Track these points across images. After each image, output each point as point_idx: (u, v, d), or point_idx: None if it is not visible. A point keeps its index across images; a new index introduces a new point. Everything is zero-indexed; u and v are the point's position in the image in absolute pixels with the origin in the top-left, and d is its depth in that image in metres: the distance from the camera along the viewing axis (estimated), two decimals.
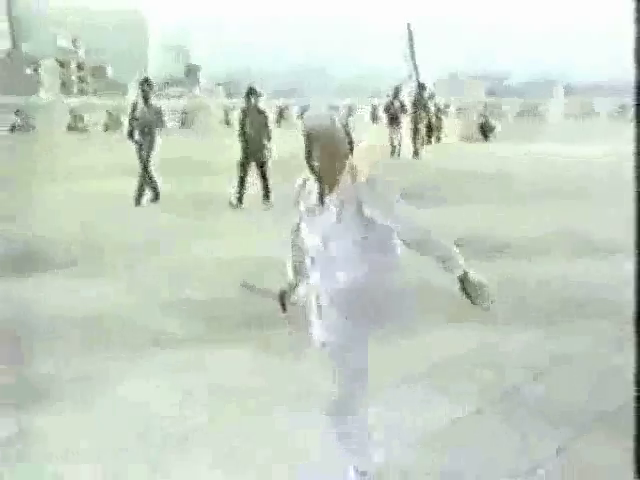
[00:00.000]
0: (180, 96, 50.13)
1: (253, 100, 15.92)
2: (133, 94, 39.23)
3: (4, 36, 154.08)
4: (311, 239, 4.22)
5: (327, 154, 4.09)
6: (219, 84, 55.17)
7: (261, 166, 15.68)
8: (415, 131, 26.21)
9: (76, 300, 8.69)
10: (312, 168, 4.13)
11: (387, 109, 26.33)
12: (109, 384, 6.24)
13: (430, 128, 32.50)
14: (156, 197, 15.91)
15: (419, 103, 26.80)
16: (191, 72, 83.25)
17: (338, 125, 4.13)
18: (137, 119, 15.77)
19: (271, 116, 17.31)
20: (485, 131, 35.93)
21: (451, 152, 28.04)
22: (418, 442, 5.23)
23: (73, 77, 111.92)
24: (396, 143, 25.61)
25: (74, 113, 34.43)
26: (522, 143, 30.83)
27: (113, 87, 57.57)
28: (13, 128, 33.71)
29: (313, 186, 4.19)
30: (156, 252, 11.14)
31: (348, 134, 4.15)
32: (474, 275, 3.98)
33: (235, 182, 15.52)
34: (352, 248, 4.09)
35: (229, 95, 53.71)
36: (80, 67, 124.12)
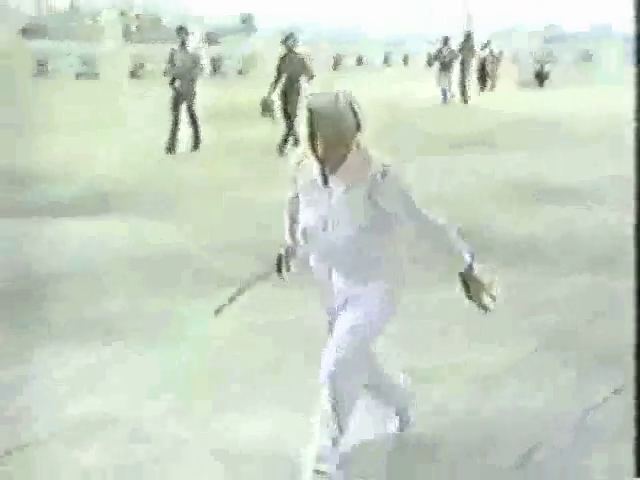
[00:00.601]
0: (237, 44, 49.74)
1: (290, 45, 15.71)
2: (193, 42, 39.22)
3: None
4: (309, 217, 3.93)
5: (330, 134, 3.73)
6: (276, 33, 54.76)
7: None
8: (463, 77, 26.18)
9: (140, 241, 8.79)
10: (313, 148, 3.77)
11: (436, 56, 26.33)
12: (175, 322, 6.32)
13: (484, 75, 32.23)
14: (196, 145, 15.82)
15: (467, 49, 26.68)
16: (246, 21, 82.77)
17: (343, 103, 3.75)
18: (175, 66, 15.67)
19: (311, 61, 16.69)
20: (540, 77, 35.63)
21: (505, 99, 27.70)
22: (477, 381, 5.23)
23: (132, 27, 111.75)
24: (446, 89, 25.62)
25: (135, 61, 34.56)
26: (577, 88, 30.44)
27: (168, 36, 57.23)
28: (78, 75, 33.94)
29: (312, 165, 3.87)
30: (212, 196, 11.22)
31: (355, 113, 3.78)
32: (479, 272, 3.84)
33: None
34: (353, 234, 3.83)
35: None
36: (138, 17, 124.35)
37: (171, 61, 15.82)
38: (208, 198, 11.11)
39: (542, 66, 36.35)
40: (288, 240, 4.26)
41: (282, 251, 4.27)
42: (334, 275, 4.02)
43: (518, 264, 7.64)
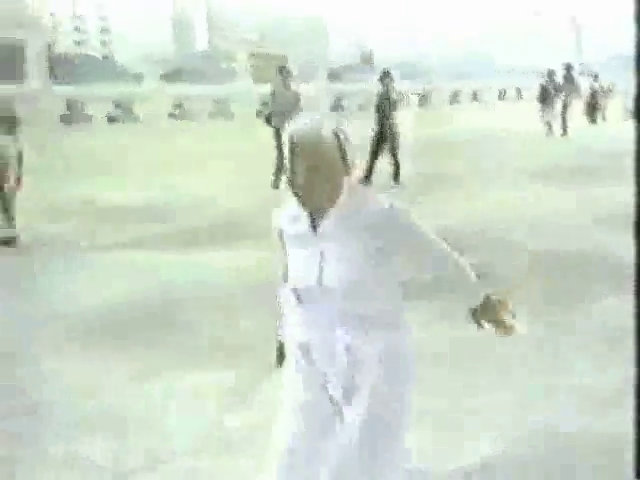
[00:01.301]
0: (358, 81, 50.19)
1: (389, 83, 15.97)
2: (319, 80, 39.81)
3: (204, 35, 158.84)
4: (300, 271, 3.18)
5: (312, 170, 3.03)
6: (391, 69, 55.18)
7: (392, 147, 15.63)
8: (564, 110, 25.66)
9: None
10: (294, 187, 3.07)
11: (543, 90, 25.84)
12: None
13: (594, 107, 31.67)
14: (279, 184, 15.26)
15: (569, 84, 26.20)
16: (366, 58, 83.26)
17: (327, 134, 3.05)
18: (277, 105, 15.54)
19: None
20: None
21: (607, 132, 26.88)
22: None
23: (260, 66, 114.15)
24: (549, 122, 25.24)
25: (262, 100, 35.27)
26: None
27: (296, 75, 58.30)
28: (210, 114, 34.82)
29: (298, 211, 3.15)
30: None
31: (341, 146, 3.07)
32: (494, 297, 3.25)
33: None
34: (354, 281, 3.09)
35: (403, 77, 53.44)
36: (267, 58, 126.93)
37: (273, 100, 15.82)
38: None
39: None
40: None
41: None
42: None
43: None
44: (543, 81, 26.12)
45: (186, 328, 7.12)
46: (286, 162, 3.08)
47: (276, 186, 14.92)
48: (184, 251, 10.05)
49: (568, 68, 27.36)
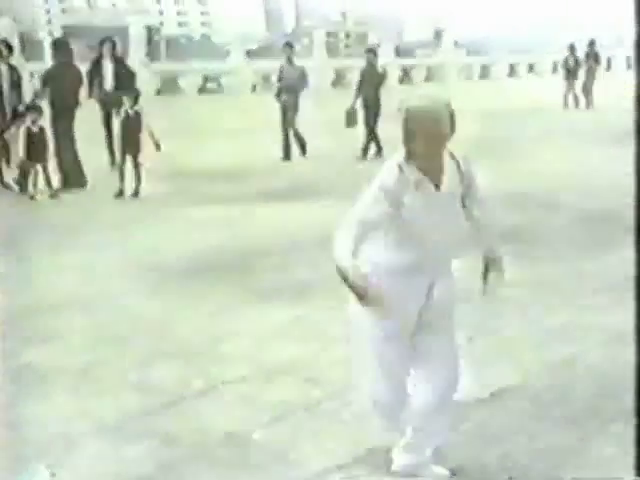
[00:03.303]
0: (427, 56, 49.53)
1: (371, 60, 14.80)
2: (386, 55, 39.42)
3: (291, 16, 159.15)
4: (421, 222, 3.30)
5: (430, 139, 3.23)
6: (460, 45, 54.11)
7: (373, 122, 14.25)
8: (588, 84, 24.33)
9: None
10: (412, 153, 3.27)
11: (564, 64, 24.67)
12: None
13: None
14: (303, 152, 14.46)
15: (591, 58, 25.02)
16: (437, 35, 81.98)
17: (440, 104, 3.27)
18: (283, 81, 14.55)
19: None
20: None
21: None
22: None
23: (340, 44, 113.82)
24: (571, 96, 24.04)
25: (337, 73, 35.05)
26: None
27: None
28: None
29: (412, 175, 3.29)
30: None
31: (452, 116, 3.28)
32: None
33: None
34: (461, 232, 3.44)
35: (469, 54, 52.51)
36: (347, 35, 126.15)
37: (280, 76, 14.74)
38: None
39: None
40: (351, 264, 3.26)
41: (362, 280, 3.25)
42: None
43: None
44: (565, 56, 24.93)
45: (257, 272, 7.21)
46: (402, 132, 3.25)
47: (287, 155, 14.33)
48: (262, 206, 10.14)
49: (591, 43, 25.94)
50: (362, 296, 3.22)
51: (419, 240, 3.33)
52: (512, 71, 42.76)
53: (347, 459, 3.82)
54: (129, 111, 11.09)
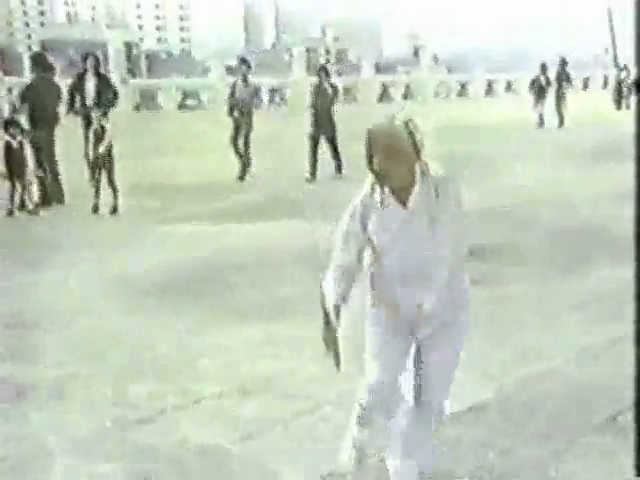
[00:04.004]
0: (407, 72, 49.87)
1: (323, 77, 14.58)
2: (366, 71, 39.65)
3: (271, 32, 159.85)
4: (380, 234, 3.35)
5: (388, 157, 3.25)
6: (438, 62, 54.54)
7: (331, 140, 14.22)
8: (558, 102, 24.42)
9: (307, 238, 9.04)
10: (373, 172, 3.31)
11: (533, 83, 24.67)
12: None
13: (619, 96, 31.13)
14: (244, 173, 14.16)
15: (562, 77, 25.21)
16: (417, 52, 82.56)
17: (398, 124, 3.27)
18: (235, 97, 14.37)
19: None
20: None
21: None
22: None
23: (321, 59, 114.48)
24: (540, 114, 23.98)
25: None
26: None
27: (352, 68, 58.52)
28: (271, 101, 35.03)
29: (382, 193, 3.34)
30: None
31: (411, 134, 3.26)
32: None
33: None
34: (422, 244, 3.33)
35: (450, 71, 52.93)
36: (327, 51, 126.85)
37: (232, 93, 14.50)
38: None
39: None
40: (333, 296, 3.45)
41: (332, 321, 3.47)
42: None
43: None
44: (535, 75, 25.03)
45: (235, 289, 7.23)
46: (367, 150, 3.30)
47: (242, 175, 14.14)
48: (243, 222, 10.19)
49: (562, 62, 26.06)
50: (326, 344, 3.47)
51: (389, 257, 3.36)
52: (489, 89, 43.10)
53: (322, 473, 3.85)
54: (96, 126, 11.14)
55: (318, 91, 14.55)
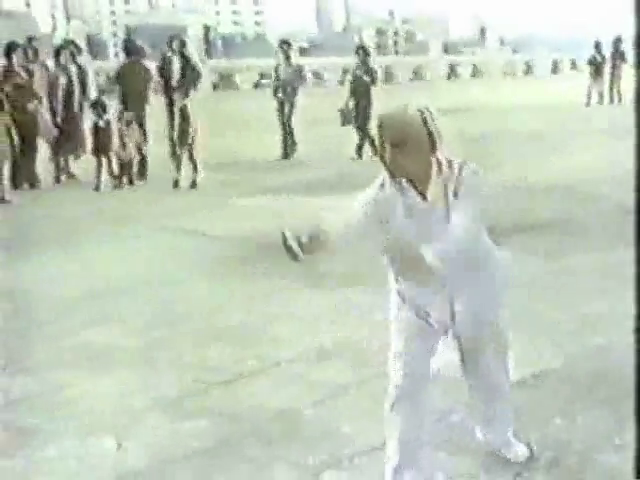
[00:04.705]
0: (473, 53, 49.17)
1: (362, 58, 13.88)
2: (434, 52, 39.18)
3: (341, 15, 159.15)
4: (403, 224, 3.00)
5: (398, 147, 2.91)
6: (505, 43, 53.66)
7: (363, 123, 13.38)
8: (612, 81, 23.66)
9: None
10: (384, 163, 2.98)
11: (590, 62, 24.07)
12: None
13: None
14: (288, 153, 13.88)
15: (616, 55, 24.37)
16: (482, 33, 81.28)
17: (411, 112, 2.92)
18: (279, 79, 13.90)
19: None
20: None
21: None
22: None
23: (390, 41, 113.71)
24: (596, 93, 23.39)
25: (387, 70, 35.08)
26: None
27: (420, 48, 57.85)
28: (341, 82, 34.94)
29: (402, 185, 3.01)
30: None
31: (426, 123, 2.92)
32: None
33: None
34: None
35: (515, 52, 52.07)
36: (395, 33, 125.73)
37: (276, 74, 14.06)
38: None
39: None
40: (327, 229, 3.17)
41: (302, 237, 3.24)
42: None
43: None
44: (591, 54, 24.34)
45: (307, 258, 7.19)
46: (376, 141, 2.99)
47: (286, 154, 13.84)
48: (310, 196, 10.15)
49: (617, 40, 25.25)
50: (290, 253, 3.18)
51: (409, 250, 3.04)
52: (555, 68, 42.22)
53: None
54: (179, 105, 11.30)
55: (358, 71, 13.91)
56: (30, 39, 12.44)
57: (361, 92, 13.67)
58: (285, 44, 14.25)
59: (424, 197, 3.00)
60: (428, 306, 3.17)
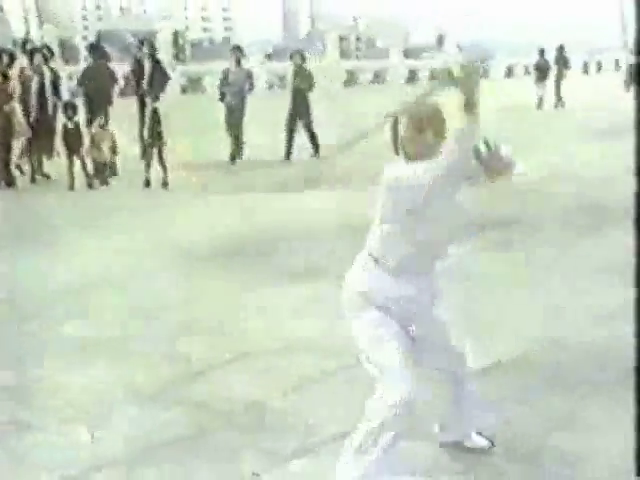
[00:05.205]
0: (432, 58, 49.44)
1: (298, 62, 13.58)
2: (394, 56, 39.29)
3: (307, 22, 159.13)
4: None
5: (418, 136, 3.00)
6: (460, 49, 54.03)
7: (307, 125, 13.37)
8: (557, 85, 23.97)
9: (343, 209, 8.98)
10: (402, 148, 3.07)
11: (536, 67, 24.31)
12: None
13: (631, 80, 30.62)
14: (236, 156, 13.28)
15: (560, 61, 24.71)
16: (440, 39, 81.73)
17: (429, 102, 3.01)
18: (229, 83, 13.31)
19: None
20: None
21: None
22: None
23: (352, 47, 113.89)
24: (541, 96, 23.56)
25: (349, 73, 35.13)
26: None
27: (380, 53, 58.08)
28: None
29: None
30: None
31: (438, 112, 3.04)
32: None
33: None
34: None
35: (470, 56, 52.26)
36: (358, 39, 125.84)
37: (225, 79, 13.45)
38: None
39: None
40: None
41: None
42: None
43: None
44: (536, 60, 24.65)
45: (274, 255, 7.19)
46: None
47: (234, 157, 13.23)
48: (284, 195, 10.17)
49: (560, 48, 25.52)
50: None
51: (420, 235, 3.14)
52: (509, 72, 42.54)
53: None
54: (149, 107, 11.22)
55: (295, 76, 13.67)
56: (25, 42, 12.37)
57: (299, 98, 13.47)
58: (237, 49, 13.82)
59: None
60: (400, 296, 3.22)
